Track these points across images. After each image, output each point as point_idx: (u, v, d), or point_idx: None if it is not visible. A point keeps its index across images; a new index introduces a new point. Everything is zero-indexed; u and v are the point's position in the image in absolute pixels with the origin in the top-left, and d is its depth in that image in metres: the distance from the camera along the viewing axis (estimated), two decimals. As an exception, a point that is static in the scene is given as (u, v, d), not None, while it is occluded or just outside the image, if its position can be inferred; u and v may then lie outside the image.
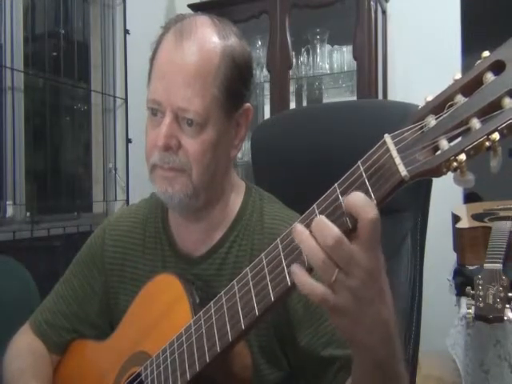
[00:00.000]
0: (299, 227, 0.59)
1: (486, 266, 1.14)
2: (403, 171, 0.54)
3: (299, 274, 0.58)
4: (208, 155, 0.82)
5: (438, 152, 0.54)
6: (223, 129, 0.84)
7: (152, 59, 0.85)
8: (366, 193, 0.56)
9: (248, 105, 0.88)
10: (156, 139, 0.81)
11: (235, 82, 0.84)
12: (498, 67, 0.52)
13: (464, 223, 1.63)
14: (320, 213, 0.60)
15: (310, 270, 0.59)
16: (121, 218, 1.01)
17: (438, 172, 0.54)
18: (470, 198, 2.63)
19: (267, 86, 2.69)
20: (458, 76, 0.55)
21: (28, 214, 2.16)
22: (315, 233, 0.57)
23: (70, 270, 1.03)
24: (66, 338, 1.00)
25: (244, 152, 2.65)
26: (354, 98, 2.57)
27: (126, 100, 2.63)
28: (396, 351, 0.64)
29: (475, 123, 0.52)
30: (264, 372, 0.85)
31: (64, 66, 2.40)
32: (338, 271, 0.56)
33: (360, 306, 0.57)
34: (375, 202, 0.56)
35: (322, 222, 0.57)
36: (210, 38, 0.83)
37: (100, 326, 0.98)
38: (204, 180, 0.84)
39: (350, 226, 0.56)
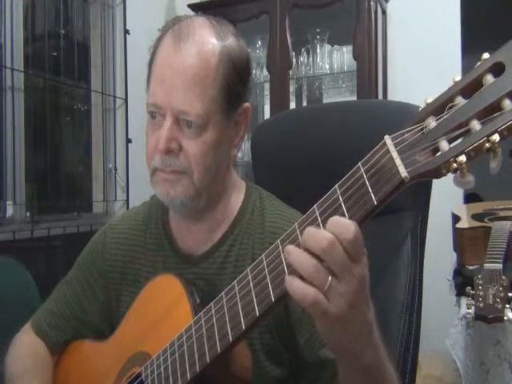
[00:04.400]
0: (287, 247, 0.61)
1: (486, 266, 1.14)
2: (403, 172, 0.54)
3: (290, 279, 0.59)
4: (209, 156, 0.83)
5: (438, 153, 0.54)
6: (223, 129, 0.84)
7: (150, 63, 0.85)
8: (366, 194, 0.57)
9: (247, 104, 0.88)
10: (157, 143, 0.81)
11: (234, 82, 0.84)
12: (497, 69, 0.52)
13: (464, 223, 1.63)
14: (320, 214, 0.60)
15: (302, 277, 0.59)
16: (121, 221, 1.02)
17: (438, 173, 0.54)
18: (470, 198, 2.62)
19: (267, 86, 2.69)
20: (458, 78, 0.55)
21: (28, 213, 2.15)
22: (308, 241, 0.58)
23: (72, 273, 1.03)
24: (66, 339, 1.01)
25: (244, 152, 2.65)
26: (354, 98, 2.57)
27: (126, 100, 2.63)
28: (380, 354, 0.65)
29: (475, 125, 0.52)
30: (267, 369, 0.85)
31: (64, 66, 2.40)
32: (331, 278, 0.57)
33: (351, 313, 0.59)
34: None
35: (313, 230, 0.59)
36: (208, 40, 0.82)
37: (101, 329, 0.99)
38: (205, 181, 0.84)
39: None
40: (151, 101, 0.82)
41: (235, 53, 0.84)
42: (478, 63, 0.54)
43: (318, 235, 0.58)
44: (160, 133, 0.81)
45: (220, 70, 0.82)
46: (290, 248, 0.60)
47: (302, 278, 0.58)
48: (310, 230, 0.59)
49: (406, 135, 0.56)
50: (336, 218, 0.58)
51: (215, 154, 0.83)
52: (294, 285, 0.58)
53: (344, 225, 0.57)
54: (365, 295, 0.60)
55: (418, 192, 1.00)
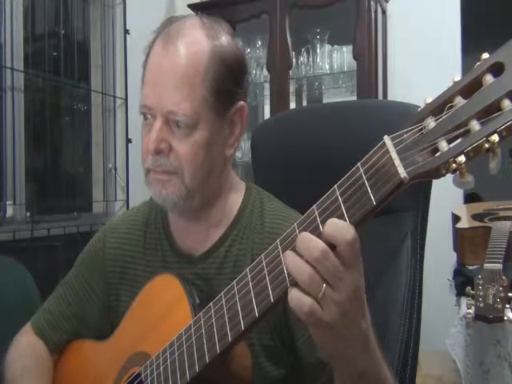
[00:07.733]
0: (286, 252, 0.61)
1: (486, 265, 1.14)
2: (402, 173, 0.54)
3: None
4: (200, 156, 0.83)
5: (438, 153, 0.54)
6: (215, 129, 0.84)
7: (144, 64, 0.86)
8: (365, 194, 0.57)
9: (242, 103, 0.88)
10: (148, 143, 0.82)
11: (225, 81, 0.84)
12: (497, 69, 0.52)
13: (464, 223, 1.63)
14: (320, 214, 0.60)
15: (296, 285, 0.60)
16: (121, 220, 1.02)
17: (437, 173, 0.54)
18: (470, 198, 2.62)
19: (267, 86, 2.69)
20: (458, 78, 0.55)
21: (28, 213, 2.15)
22: (301, 248, 0.58)
23: (72, 272, 1.03)
24: (66, 340, 1.01)
25: (244, 152, 2.65)
26: (354, 98, 2.57)
27: (126, 100, 2.63)
28: (376, 360, 0.66)
29: (474, 125, 0.52)
30: (266, 369, 0.85)
31: (64, 66, 2.40)
32: (325, 286, 0.58)
33: (345, 321, 0.59)
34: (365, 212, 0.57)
35: (306, 236, 0.59)
36: (198, 40, 0.83)
37: (101, 328, 0.98)
38: (197, 181, 0.84)
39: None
40: (142, 102, 0.84)
41: (227, 51, 0.84)
42: (478, 63, 0.54)
43: (311, 244, 0.58)
44: (150, 134, 0.82)
45: (210, 69, 0.82)
46: (288, 253, 0.60)
47: (297, 285, 0.59)
48: (303, 237, 0.59)
49: (405, 135, 0.56)
50: (335, 221, 0.58)
51: (207, 153, 0.83)
52: (290, 293, 0.59)
53: (343, 227, 0.57)
54: (359, 303, 0.60)
55: (417, 192, 1.00)
